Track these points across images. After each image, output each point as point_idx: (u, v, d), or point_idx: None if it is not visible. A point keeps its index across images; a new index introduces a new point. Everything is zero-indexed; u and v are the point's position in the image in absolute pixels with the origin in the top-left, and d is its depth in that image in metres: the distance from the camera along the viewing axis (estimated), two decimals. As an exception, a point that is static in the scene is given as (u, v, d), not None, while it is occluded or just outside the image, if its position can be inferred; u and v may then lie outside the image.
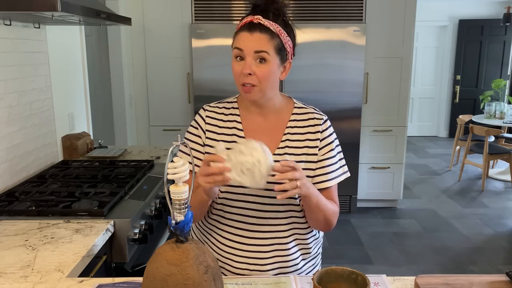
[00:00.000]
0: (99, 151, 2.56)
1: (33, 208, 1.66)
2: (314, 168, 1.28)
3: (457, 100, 7.64)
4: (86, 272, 1.34)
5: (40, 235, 1.46)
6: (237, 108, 1.32)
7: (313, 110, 1.32)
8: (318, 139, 1.28)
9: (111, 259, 1.60)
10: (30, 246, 1.38)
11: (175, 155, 1.39)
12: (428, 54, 7.77)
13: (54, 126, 2.35)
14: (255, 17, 1.17)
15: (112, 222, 1.57)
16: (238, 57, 1.19)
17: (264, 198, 1.24)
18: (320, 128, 1.28)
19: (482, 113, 6.01)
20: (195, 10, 3.95)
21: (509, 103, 6.36)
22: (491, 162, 5.76)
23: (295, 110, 1.31)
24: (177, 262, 0.86)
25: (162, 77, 4.07)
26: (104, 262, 1.51)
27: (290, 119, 1.29)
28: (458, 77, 7.59)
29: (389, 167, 4.26)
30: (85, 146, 2.54)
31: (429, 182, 5.34)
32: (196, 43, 3.89)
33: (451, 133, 7.65)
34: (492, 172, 5.63)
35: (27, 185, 1.93)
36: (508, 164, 5.20)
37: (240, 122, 1.29)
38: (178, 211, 0.89)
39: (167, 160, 0.89)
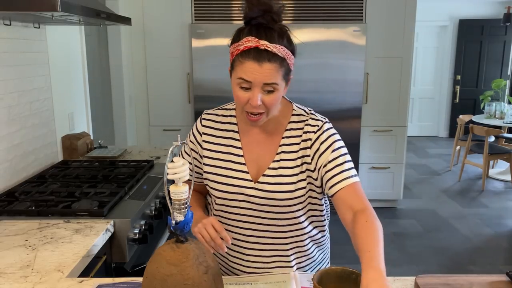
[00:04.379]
0: (99, 151, 2.56)
1: (33, 208, 1.66)
2: (316, 177, 1.20)
3: (457, 100, 7.64)
4: (86, 272, 1.34)
5: (40, 235, 1.46)
6: (234, 116, 1.26)
7: (307, 117, 1.22)
8: (308, 147, 1.19)
9: (111, 259, 1.60)
10: (30, 246, 1.38)
11: (175, 155, 1.39)
12: (428, 54, 7.77)
13: (54, 126, 2.35)
14: (261, 43, 1.05)
15: (112, 222, 1.57)
16: (243, 88, 1.10)
17: (260, 218, 1.23)
18: (312, 136, 1.19)
19: (482, 113, 6.01)
20: (195, 10, 3.95)
21: (509, 103, 6.36)
22: (491, 162, 5.76)
23: (293, 118, 1.22)
24: (177, 262, 0.86)
25: (162, 77, 4.07)
26: (104, 262, 1.51)
27: (286, 128, 1.22)
28: (458, 77, 7.59)
29: (389, 167, 4.26)
30: (85, 146, 2.54)
31: (429, 182, 5.34)
32: (196, 43, 3.88)
33: (451, 133, 7.65)
34: (492, 172, 5.63)
35: (27, 185, 1.93)
36: (508, 164, 5.20)
37: (237, 132, 1.24)
38: (178, 211, 0.89)
39: (167, 160, 0.89)
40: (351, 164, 1.18)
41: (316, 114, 1.24)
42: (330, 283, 0.96)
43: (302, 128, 1.20)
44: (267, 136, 1.22)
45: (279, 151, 1.20)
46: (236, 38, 1.11)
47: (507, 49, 7.39)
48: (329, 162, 1.16)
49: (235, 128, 1.25)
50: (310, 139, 1.19)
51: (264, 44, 1.05)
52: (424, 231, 3.91)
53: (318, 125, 1.20)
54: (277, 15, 1.08)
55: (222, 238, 1.13)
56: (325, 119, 1.24)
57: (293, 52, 1.13)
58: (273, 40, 1.06)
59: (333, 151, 1.17)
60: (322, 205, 1.28)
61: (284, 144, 1.21)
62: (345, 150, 1.19)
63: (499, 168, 5.87)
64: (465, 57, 7.50)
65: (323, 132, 1.19)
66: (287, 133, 1.21)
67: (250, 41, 1.06)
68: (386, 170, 4.27)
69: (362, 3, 3.95)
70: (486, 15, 7.33)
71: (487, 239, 3.75)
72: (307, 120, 1.21)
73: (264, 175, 1.19)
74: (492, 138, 5.68)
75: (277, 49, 1.06)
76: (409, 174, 5.58)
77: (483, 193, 4.92)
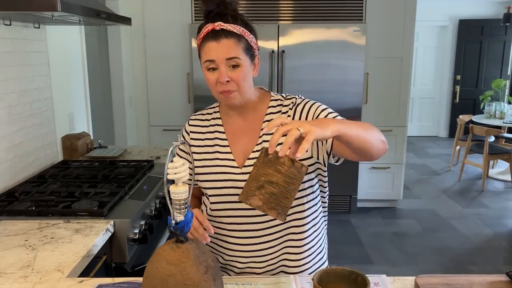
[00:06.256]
0: (99, 151, 2.56)
1: (33, 208, 1.66)
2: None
3: (457, 100, 7.64)
4: (86, 272, 1.34)
5: (40, 235, 1.46)
6: (218, 112, 1.34)
7: (283, 101, 1.29)
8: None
9: (111, 259, 1.60)
10: (30, 246, 1.38)
11: (175, 155, 1.40)
12: (428, 54, 7.77)
13: (54, 126, 2.35)
14: (216, 24, 1.16)
15: (112, 222, 1.57)
16: (211, 69, 1.18)
17: (255, 217, 1.24)
18: (290, 112, 1.26)
19: (482, 113, 6.01)
20: (195, 10, 3.94)
21: (509, 103, 6.36)
22: (491, 162, 5.76)
23: (271, 103, 1.30)
24: (177, 262, 0.86)
25: (162, 77, 4.07)
26: (104, 262, 1.51)
27: (266, 113, 1.29)
28: (458, 77, 7.59)
29: (389, 167, 4.26)
30: (85, 146, 2.54)
31: (429, 182, 5.34)
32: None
33: (451, 133, 7.65)
34: (492, 172, 5.63)
35: (27, 185, 1.93)
36: (508, 164, 5.20)
37: (221, 125, 1.31)
38: (178, 211, 0.89)
39: (167, 160, 0.89)
40: (336, 114, 1.26)
41: (291, 95, 1.32)
42: (330, 283, 0.96)
43: (280, 111, 1.28)
44: (249, 124, 1.29)
45: (261, 134, 1.27)
46: (198, 33, 1.22)
47: (507, 49, 7.39)
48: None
49: (219, 122, 1.32)
50: (289, 116, 1.26)
51: (218, 24, 1.16)
52: (424, 231, 3.91)
53: (292, 102, 1.28)
54: (230, 5, 1.19)
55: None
56: (298, 95, 1.32)
57: (251, 32, 1.22)
58: (227, 21, 1.17)
59: (314, 112, 1.24)
60: (307, 188, 1.27)
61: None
62: (324, 106, 1.27)
63: (499, 168, 5.87)
64: (465, 57, 7.50)
65: (298, 105, 1.27)
66: (267, 117, 1.28)
67: (207, 27, 1.18)
68: (386, 170, 4.27)
69: (362, 3, 3.95)
70: (486, 15, 7.33)
71: (487, 239, 3.75)
72: (283, 102, 1.30)
73: (249, 159, 1.25)
74: (492, 138, 5.67)
75: (232, 27, 1.17)
76: (409, 174, 5.58)
77: (483, 193, 4.92)
